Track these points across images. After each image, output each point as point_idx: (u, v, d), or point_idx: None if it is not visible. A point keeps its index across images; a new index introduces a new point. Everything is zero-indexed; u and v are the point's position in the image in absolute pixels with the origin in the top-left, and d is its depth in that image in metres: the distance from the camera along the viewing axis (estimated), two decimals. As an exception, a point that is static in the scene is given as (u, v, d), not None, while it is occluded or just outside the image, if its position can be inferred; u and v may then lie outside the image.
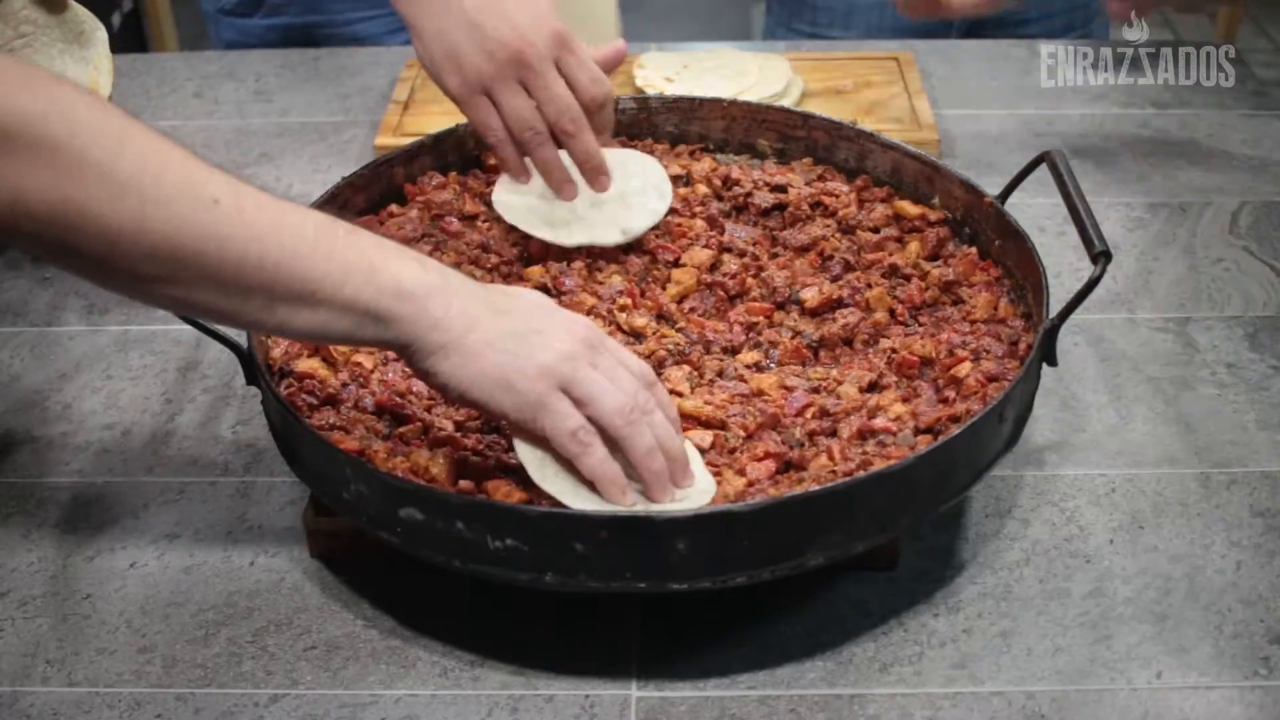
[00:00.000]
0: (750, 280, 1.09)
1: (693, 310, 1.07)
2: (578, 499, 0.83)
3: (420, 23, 1.09)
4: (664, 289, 1.09)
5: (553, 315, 0.85)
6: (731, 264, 1.10)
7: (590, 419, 0.82)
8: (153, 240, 0.74)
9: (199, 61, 1.67)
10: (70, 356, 1.17)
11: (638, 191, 1.14)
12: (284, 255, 0.76)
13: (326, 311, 0.78)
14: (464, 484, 0.88)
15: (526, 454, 0.85)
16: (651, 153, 1.25)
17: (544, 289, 1.08)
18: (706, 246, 1.12)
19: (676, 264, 1.11)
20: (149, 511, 1.01)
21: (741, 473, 0.90)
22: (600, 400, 0.82)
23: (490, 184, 1.17)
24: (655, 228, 1.13)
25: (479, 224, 1.16)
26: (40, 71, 0.75)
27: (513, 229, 1.12)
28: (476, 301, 0.82)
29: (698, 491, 0.86)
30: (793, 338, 1.04)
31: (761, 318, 1.06)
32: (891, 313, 1.06)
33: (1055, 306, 0.96)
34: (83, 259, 0.75)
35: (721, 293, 1.08)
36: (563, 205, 1.12)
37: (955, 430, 0.87)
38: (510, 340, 0.81)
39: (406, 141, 1.22)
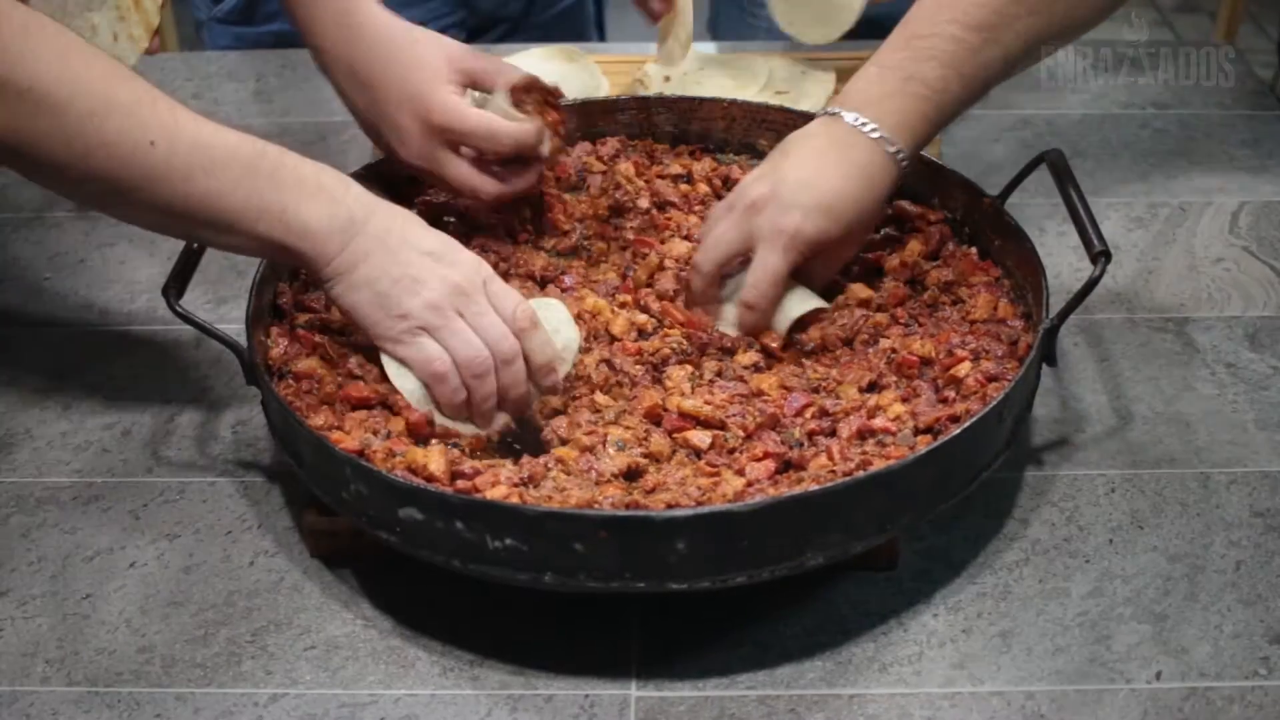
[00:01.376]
0: None
1: (669, 298, 1.07)
2: (422, 404, 0.95)
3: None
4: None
5: (440, 261, 0.94)
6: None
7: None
8: (96, 175, 0.88)
9: (199, 62, 1.67)
10: (70, 356, 1.17)
11: None
12: (209, 193, 0.89)
13: (242, 239, 0.92)
14: (461, 484, 0.88)
15: (387, 357, 0.96)
16: (652, 152, 1.25)
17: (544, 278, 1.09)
18: (687, 239, 1.12)
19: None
20: (149, 511, 1.01)
21: (741, 473, 0.90)
22: (454, 350, 0.94)
23: None
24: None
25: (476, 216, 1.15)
26: (17, 15, 0.85)
27: (500, 211, 1.13)
28: (374, 240, 0.93)
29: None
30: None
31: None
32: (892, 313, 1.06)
33: (1055, 306, 0.96)
34: (32, 175, 0.92)
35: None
36: None
37: (955, 430, 0.87)
38: (385, 283, 0.93)
39: (406, 141, 1.22)
